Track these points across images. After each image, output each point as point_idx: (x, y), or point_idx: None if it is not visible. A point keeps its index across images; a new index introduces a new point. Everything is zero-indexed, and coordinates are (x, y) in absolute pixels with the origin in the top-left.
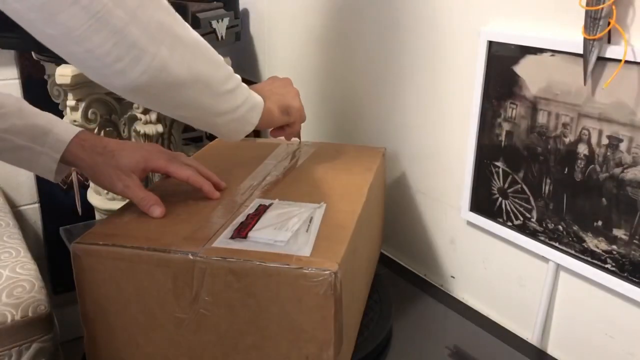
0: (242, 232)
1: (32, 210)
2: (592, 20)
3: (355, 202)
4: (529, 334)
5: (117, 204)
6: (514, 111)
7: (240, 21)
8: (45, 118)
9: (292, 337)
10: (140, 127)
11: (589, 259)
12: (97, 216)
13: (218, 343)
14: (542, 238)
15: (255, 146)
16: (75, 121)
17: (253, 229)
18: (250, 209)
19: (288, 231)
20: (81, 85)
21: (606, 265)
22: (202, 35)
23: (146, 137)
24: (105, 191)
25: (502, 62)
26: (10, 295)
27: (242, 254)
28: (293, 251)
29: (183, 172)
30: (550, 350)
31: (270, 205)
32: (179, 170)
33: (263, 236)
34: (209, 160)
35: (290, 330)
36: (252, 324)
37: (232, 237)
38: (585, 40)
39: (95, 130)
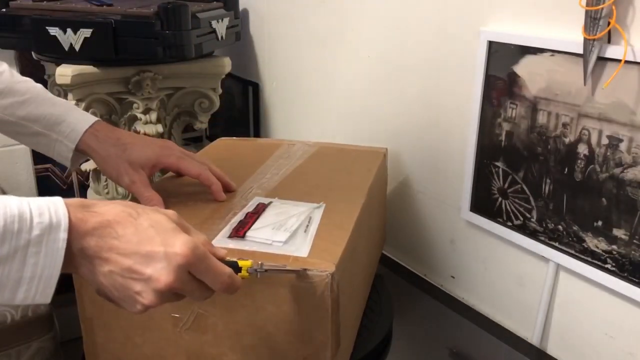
0: (239, 231)
1: None
2: (592, 20)
3: (354, 203)
4: (529, 334)
5: None
6: (514, 111)
7: (240, 21)
8: (63, 107)
9: (289, 338)
10: (140, 127)
11: (589, 259)
12: None
13: (215, 343)
14: (542, 238)
15: (256, 146)
16: None
17: (251, 228)
18: (249, 207)
19: (286, 231)
20: (81, 85)
21: (606, 265)
22: (202, 35)
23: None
24: (106, 191)
25: (502, 62)
26: None
27: (239, 253)
28: (291, 252)
29: (195, 168)
30: (550, 350)
31: (269, 203)
32: (190, 166)
33: (261, 236)
34: (210, 160)
35: (287, 330)
36: (249, 324)
37: (230, 237)
38: (585, 40)
39: None
